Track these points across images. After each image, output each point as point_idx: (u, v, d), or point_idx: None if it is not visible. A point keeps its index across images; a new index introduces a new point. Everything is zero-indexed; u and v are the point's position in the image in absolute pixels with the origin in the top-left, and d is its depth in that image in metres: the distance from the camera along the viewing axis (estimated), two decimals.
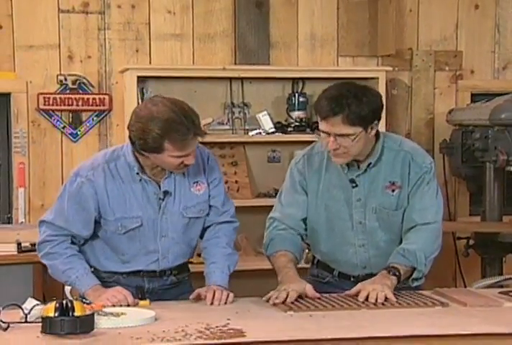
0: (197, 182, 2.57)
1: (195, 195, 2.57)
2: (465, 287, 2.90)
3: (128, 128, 2.42)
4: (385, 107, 3.94)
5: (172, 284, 2.64)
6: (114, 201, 2.49)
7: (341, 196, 2.61)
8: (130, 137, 2.42)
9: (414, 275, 2.54)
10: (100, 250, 2.59)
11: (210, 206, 2.62)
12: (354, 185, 2.59)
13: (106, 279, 2.57)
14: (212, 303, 2.44)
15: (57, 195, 4.12)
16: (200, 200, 2.58)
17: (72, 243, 2.55)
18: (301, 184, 2.66)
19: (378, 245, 2.62)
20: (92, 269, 2.57)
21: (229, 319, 2.22)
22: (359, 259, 2.64)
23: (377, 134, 2.58)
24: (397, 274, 2.50)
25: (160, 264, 2.58)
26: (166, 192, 2.52)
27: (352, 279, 2.66)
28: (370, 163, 2.58)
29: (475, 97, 4.41)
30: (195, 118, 2.39)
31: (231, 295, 2.48)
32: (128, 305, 2.37)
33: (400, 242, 2.61)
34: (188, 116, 2.36)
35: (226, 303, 2.45)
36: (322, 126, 2.50)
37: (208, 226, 2.66)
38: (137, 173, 2.49)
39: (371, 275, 2.58)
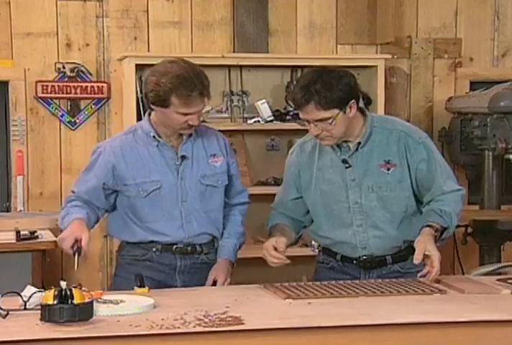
0: (214, 154, 2.71)
1: (213, 166, 2.70)
2: (463, 274, 2.90)
3: (145, 82, 2.62)
4: (384, 95, 4.02)
5: (204, 263, 2.72)
6: (133, 167, 2.62)
7: (336, 178, 2.64)
8: (146, 92, 2.59)
9: (444, 235, 2.58)
10: (130, 220, 2.69)
11: (229, 184, 2.76)
12: (347, 165, 2.63)
13: (138, 257, 2.68)
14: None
15: (55, 184, 4.14)
16: (218, 171, 2.71)
17: (85, 203, 2.64)
18: (293, 176, 2.75)
19: (376, 225, 2.64)
20: (126, 249, 2.70)
21: (227, 307, 2.23)
22: (358, 239, 2.65)
23: (364, 114, 2.63)
24: (435, 235, 2.52)
25: (185, 229, 2.66)
26: (183, 157, 2.65)
27: (354, 262, 2.68)
28: (360, 142, 2.62)
29: (474, 85, 4.40)
30: (205, 80, 2.55)
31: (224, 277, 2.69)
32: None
33: (399, 223, 2.64)
34: (198, 75, 2.53)
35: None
36: (300, 114, 2.57)
37: (235, 206, 2.82)
38: (154, 136, 2.63)
39: (372, 257, 2.65)
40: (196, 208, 2.67)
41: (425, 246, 2.47)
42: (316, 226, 2.74)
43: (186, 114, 2.53)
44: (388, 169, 2.61)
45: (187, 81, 2.48)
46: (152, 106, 2.58)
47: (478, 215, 3.77)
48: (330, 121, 2.50)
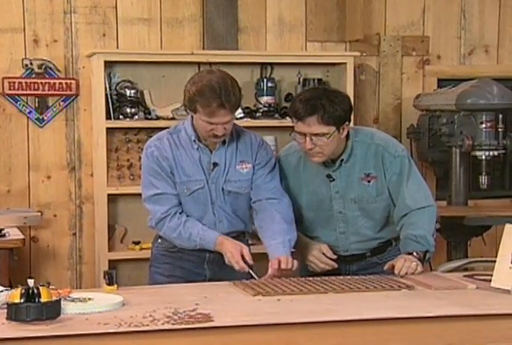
0: (243, 161, 2.77)
1: (239, 173, 2.77)
2: (431, 270, 2.94)
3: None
4: (353, 92, 4.04)
5: None
6: (179, 166, 2.74)
7: (321, 190, 2.76)
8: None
9: (427, 256, 2.69)
10: None
11: (252, 183, 2.78)
12: (331, 179, 2.74)
13: (170, 249, 2.80)
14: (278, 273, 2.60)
15: (23, 181, 4.09)
16: (243, 178, 2.77)
17: (181, 212, 2.75)
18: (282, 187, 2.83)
19: (358, 232, 2.78)
20: (159, 241, 2.84)
21: (197, 304, 2.23)
22: (341, 244, 2.81)
23: (347, 133, 2.71)
24: (419, 258, 2.63)
25: (217, 226, 2.77)
26: (215, 164, 2.74)
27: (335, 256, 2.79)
28: (343, 159, 2.72)
29: (442, 82, 4.45)
30: (233, 94, 2.60)
31: (295, 262, 2.62)
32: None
33: (381, 228, 2.79)
34: (226, 88, 2.59)
35: (292, 268, 2.61)
36: (298, 127, 2.63)
37: (255, 202, 2.79)
38: (194, 141, 2.72)
39: (353, 256, 2.81)
40: (225, 210, 2.78)
41: (395, 260, 2.63)
42: (302, 226, 2.84)
43: (211, 123, 2.62)
44: (369, 182, 2.73)
45: (211, 92, 2.57)
46: (187, 109, 2.70)
47: (446, 212, 3.81)
48: (327, 136, 2.59)
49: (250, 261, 2.63)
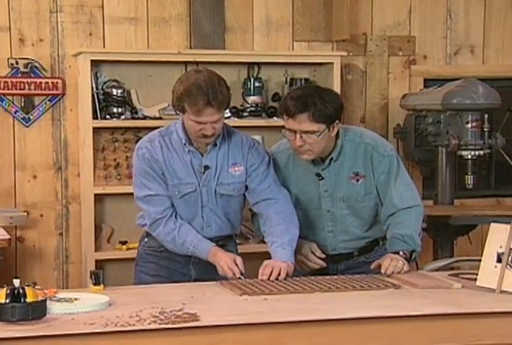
0: (235, 163, 2.76)
1: (232, 175, 2.76)
2: (417, 269, 2.95)
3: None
4: (340, 92, 4.05)
5: None
6: (171, 169, 2.73)
7: (310, 188, 2.77)
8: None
9: (414, 256, 2.70)
10: None
11: (248, 186, 2.78)
12: (320, 178, 2.75)
13: (156, 249, 2.81)
14: (269, 278, 2.57)
15: (9, 181, 4.07)
16: (236, 181, 2.76)
17: (176, 216, 2.75)
18: None
19: (347, 231, 2.79)
20: (145, 240, 2.85)
21: (183, 303, 2.23)
22: (329, 242, 2.81)
23: (337, 132, 2.73)
24: (406, 258, 2.64)
25: (204, 230, 2.77)
26: (206, 167, 2.73)
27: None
28: (332, 158, 2.73)
29: (428, 82, 4.47)
30: (220, 92, 2.59)
31: (284, 269, 2.57)
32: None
33: (369, 227, 2.80)
34: (213, 86, 2.59)
35: (278, 278, 2.56)
36: (289, 124, 2.64)
37: (254, 205, 2.80)
38: (184, 144, 2.71)
39: (340, 255, 2.82)
40: (216, 213, 2.78)
41: (381, 259, 2.64)
42: None
43: (200, 123, 2.61)
44: (357, 181, 2.74)
45: (197, 91, 2.57)
46: (175, 109, 2.69)
47: (432, 211, 3.82)
48: (317, 134, 2.60)
49: (243, 270, 2.63)
